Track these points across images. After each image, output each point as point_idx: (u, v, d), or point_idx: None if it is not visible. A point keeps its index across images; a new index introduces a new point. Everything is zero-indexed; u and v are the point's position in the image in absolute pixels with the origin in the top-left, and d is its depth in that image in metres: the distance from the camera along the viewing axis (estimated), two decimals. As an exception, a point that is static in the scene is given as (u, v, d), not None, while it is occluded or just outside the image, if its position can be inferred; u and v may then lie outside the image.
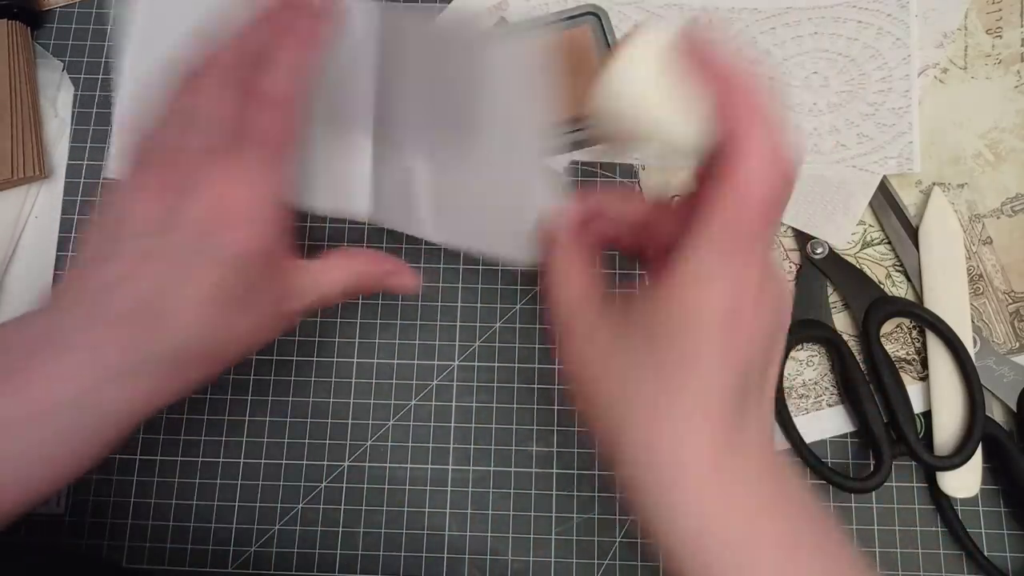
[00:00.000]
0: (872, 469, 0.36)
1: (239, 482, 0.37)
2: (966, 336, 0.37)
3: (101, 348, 0.24)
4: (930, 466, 0.36)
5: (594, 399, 0.25)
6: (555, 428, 0.38)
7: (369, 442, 0.38)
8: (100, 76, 0.42)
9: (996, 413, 0.37)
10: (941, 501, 0.36)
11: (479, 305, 0.39)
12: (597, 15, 0.40)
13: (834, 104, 0.40)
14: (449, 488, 0.37)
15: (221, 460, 0.37)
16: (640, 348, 0.24)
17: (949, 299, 0.38)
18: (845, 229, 0.39)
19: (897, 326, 0.39)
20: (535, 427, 0.38)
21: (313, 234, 0.40)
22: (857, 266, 0.39)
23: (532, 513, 0.37)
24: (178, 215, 0.25)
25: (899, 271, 0.39)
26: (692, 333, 0.23)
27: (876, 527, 0.36)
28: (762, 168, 0.22)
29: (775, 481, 0.24)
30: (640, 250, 0.29)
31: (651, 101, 0.24)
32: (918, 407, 0.37)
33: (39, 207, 0.40)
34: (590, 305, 0.26)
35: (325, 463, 0.37)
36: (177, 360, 0.26)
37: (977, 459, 0.36)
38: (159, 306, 0.25)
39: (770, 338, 0.24)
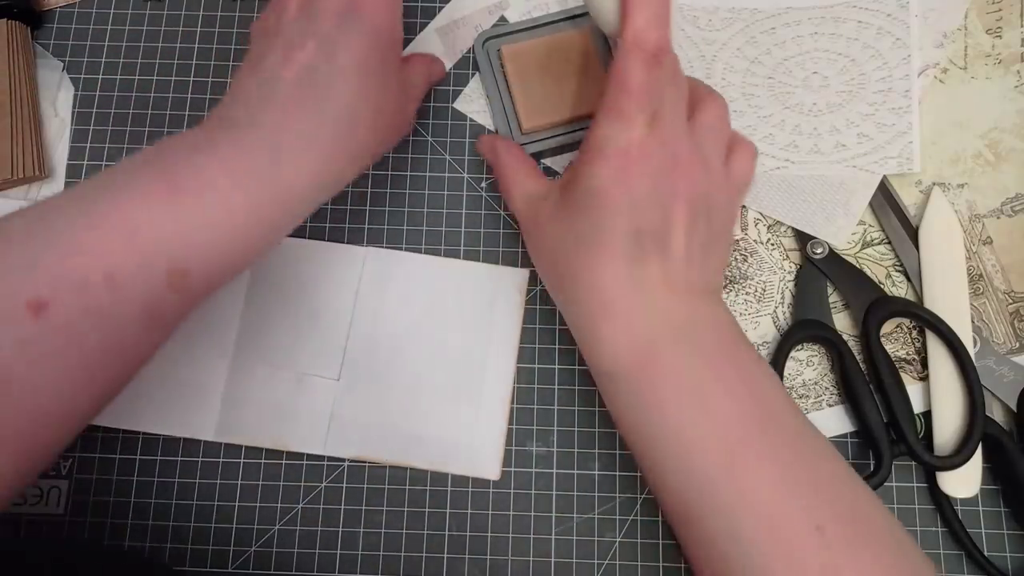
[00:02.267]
0: (872, 469, 0.36)
1: (239, 482, 0.37)
2: (966, 336, 0.37)
3: (279, 122, 0.29)
4: (930, 466, 0.36)
5: (547, 264, 0.32)
6: (555, 428, 0.38)
7: (369, 442, 0.38)
8: (100, 76, 0.42)
9: (996, 413, 0.37)
10: (941, 501, 0.36)
11: (479, 305, 0.39)
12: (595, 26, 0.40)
13: (834, 104, 0.40)
14: (449, 488, 0.37)
15: (221, 460, 0.37)
16: (568, 216, 0.31)
17: (949, 299, 0.38)
18: (845, 229, 0.39)
19: (897, 326, 0.39)
20: (535, 427, 0.38)
21: (313, 233, 0.40)
22: (857, 266, 0.39)
23: (532, 513, 0.37)
24: (314, 7, 0.31)
25: (899, 271, 0.39)
26: (589, 198, 0.30)
27: (876, 527, 0.36)
28: (628, 55, 0.28)
29: (684, 317, 0.30)
30: None
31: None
32: (918, 407, 0.37)
33: (39, 207, 0.40)
34: (538, 198, 0.33)
35: (325, 463, 0.37)
36: (339, 126, 0.30)
37: (977, 459, 0.36)
38: (318, 78, 0.30)
39: (657, 181, 0.29)
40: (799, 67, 0.41)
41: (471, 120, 0.41)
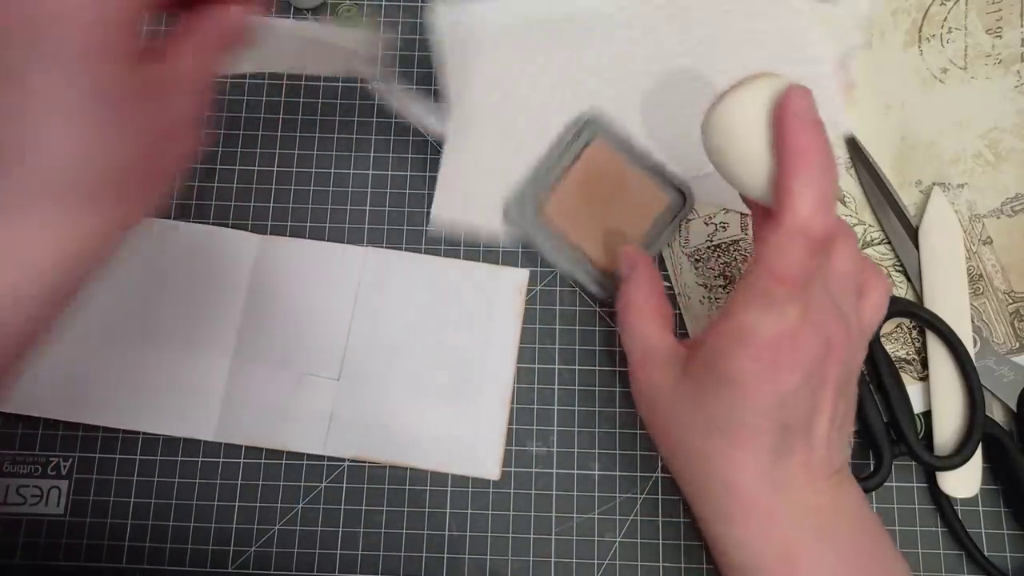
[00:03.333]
0: (872, 469, 0.36)
1: (239, 482, 0.37)
2: (966, 336, 0.37)
3: None
4: (930, 466, 0.36)
5: (666, 435, 0.30)
6: (555, 428, 0.38)
7: (369, 442, 0.38)
8: (100, 76, 0.42)
9: (996, 413, 0.37)
10: (941, 501, 0.36)
11: (479, 305, 0.39)
12: (595, 121, 0.39)
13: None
14: (449, 488, 0.37)
15: (221, 460, 0.37)
16: (699, 395, 0.28)
17: (949, 299, 0.38)
18: None
19: (897, 326, 0.39)
20: (535, 427, 0.38)
21: (313, 233, 0.40)
22: (857, 266, 0.39)
23: (532, 513, 0.37)
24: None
25: (899, 271, 0.39)
26: (728, 388, 0.27)
27: (876, 527, 0.36)
28: (791, 241, 0.24)
29: (827, 510, 0.28)
30: None
31: (743, 139, 0.26)
32: (918, 407, 0.37)
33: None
34: (659, 353, 0.31)
35: (325, 463, 0.37)
36: (65, 197, 0.22)
37: (977, 459, 0.36)
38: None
39: (810, 374, 0.26)
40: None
41: (471, 120, 0.41)
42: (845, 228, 0.28)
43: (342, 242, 0.40)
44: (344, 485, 0.37)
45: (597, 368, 0.38)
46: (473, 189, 0.39)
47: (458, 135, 0.39)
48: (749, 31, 0.40)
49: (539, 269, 0.39)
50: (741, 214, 0.40)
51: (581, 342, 0.39)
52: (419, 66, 0.42)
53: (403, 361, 0.38)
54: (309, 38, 0.32)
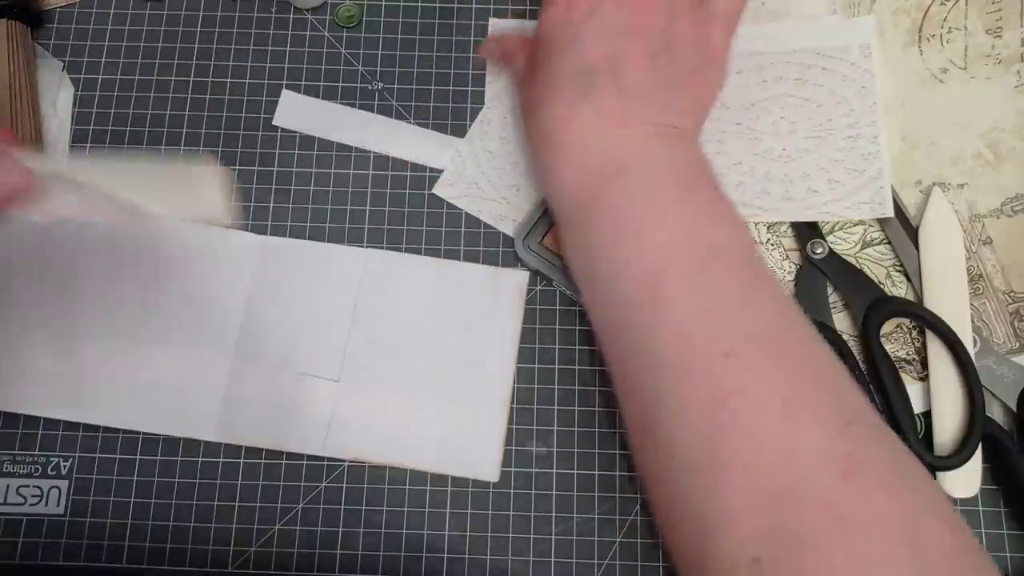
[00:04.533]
0: (872, 469, 0.36)
1: (239, 482, 0.37)
2: (966, 336, 0.37)
3: None
4: (930, 466, 0.35)
5: (524, 120, 0.36)
6: (555, 428, 0.38)
7: (369, 442, 0.38)
8: (100, 76, 0.42)
9: (996, 413, 0.37)
10: (941, 501, 0.36)
11: (479, 305, 0.39)
12: None
13: (803, 150, 0.40)
14: (449, 488, 0.37)
15: (221, 460, 0.37)
16: (532, 71, 0.34)
17: (949, 299, 0.38)
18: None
19: (897, 326, 0.39)
20: (535, 427, 0.38)
21: (313, 234, 0.40)
22: (857, 266, 0.39)
23: (532, 513, 0.37)
24: None
25: (899, 271, 0.39)
26: (543, 46, 0.33)
27: (876, 527, 0.36)
28: None
29: (643, 156, 0.31)
30: None
31: None
32: (918, 407, 0.37)
33: (39, 207, 0.40)
34: (528, 65, 0.35)
35: (325, 463, 0.37)
36: None
37: (977, 459, 0.36)
38: None
39: (603, 20, 0.31)
40: (766, 112, 0.40)
41: (470, 120, 0.41)
42: None
43: (342, 242, 0.40)
44: (344, 485, 0.37)
45: (597, 368, 0.38)
46: (480, 177, 0.40)
47: (482, 126, 0.41)
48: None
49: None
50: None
51: (581, 342, 0.39)
52: (417, 72, 0.42)
53: (403, 362, 0.38)
54: (132, 182, 0.28)
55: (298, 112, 0.41)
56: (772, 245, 0.40)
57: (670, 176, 0.30)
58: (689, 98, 0.32)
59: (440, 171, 0.41)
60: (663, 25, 0.31)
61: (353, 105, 0.41)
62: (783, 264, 0.39)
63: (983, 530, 0.36)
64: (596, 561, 0.36)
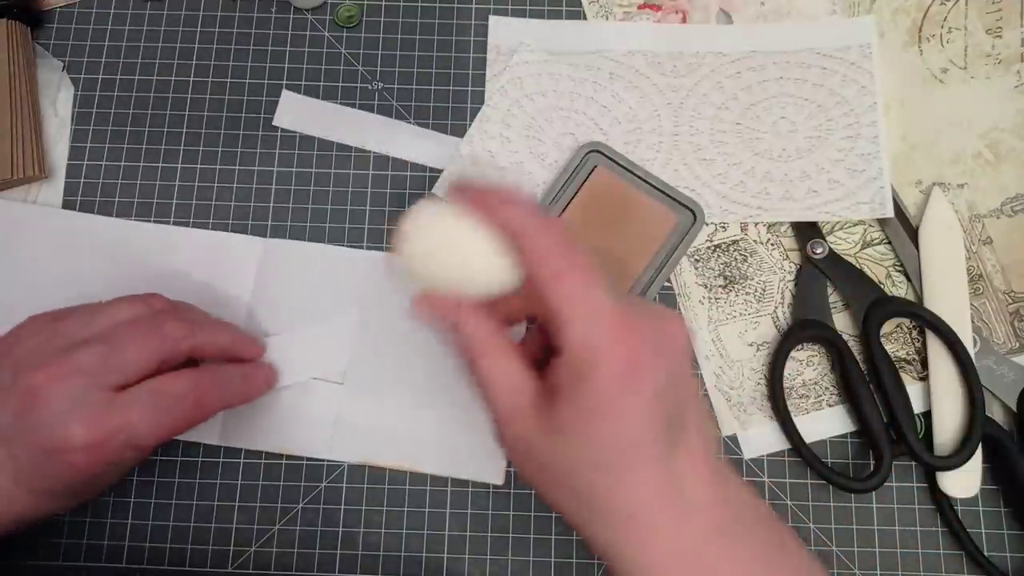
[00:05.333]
0: (872, 469, 0.36)
1: (239, 482, 0.37)
2: (966, 336, 0.37)
3: None
4: (930, 466, 0.36)
5: (542, 477, 0.27)
6: (555, 428, 0.38)
7: (369, 442, 0.38)
8: (100, 76, 0.42)
9: (996, 413, 0.37)
10: (941, 501, 0.36)
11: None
12: (598, 151, 0.39)
13: (803, 149, 0.40)
14: (449, 488, 0.37)
15: (221, 460, 0.37)
16: (574, 439, 0.25)
17: (949, 299, 0.38)
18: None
19: (897, 326, 0.39)
20: (535, 427, 0.38)
21: (313, 235, 0.40)
22: (857, 266, 0.39)
23: (532, 513, 0.37)
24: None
25: (899, 271, 0.39)
26: (601, 416, 0.25)
27: (876, 527, 0.36)
28: (582, 312, 0.25)
29: (721, 503, 0.26)
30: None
31: (439, 261, 0.27)
32: (918, 407, 0.37)
33: (39, 207, 0.40)
34: (527, 386, 0.27)
35: (325, 463, 0.37)
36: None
37: (977, 459, 0.36)
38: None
39: (672, 375, 0.26)
40: (767, 112, 0.40)
41: (469, 120, 0.41)
42: None
43: (342, 242, 0.40)
44: (344, 485, 0.37)
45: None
46: (480, 177, 0.40)
47: (482, 126, 0.41)
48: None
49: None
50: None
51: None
52: (417, 72, 0.42)
53: (407, 365, 0.38)
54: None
55: (298, 112, 0.41)
56: (772, 245, 0.40)
57: (760, 522, 0.28)
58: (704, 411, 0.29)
59: (440, 171, 0.41)
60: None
61: (353, 105, 0.41)
62: (783, 264, 0.39)
63: (983, 530, 0.36)
64: (596, 561, 0.36)
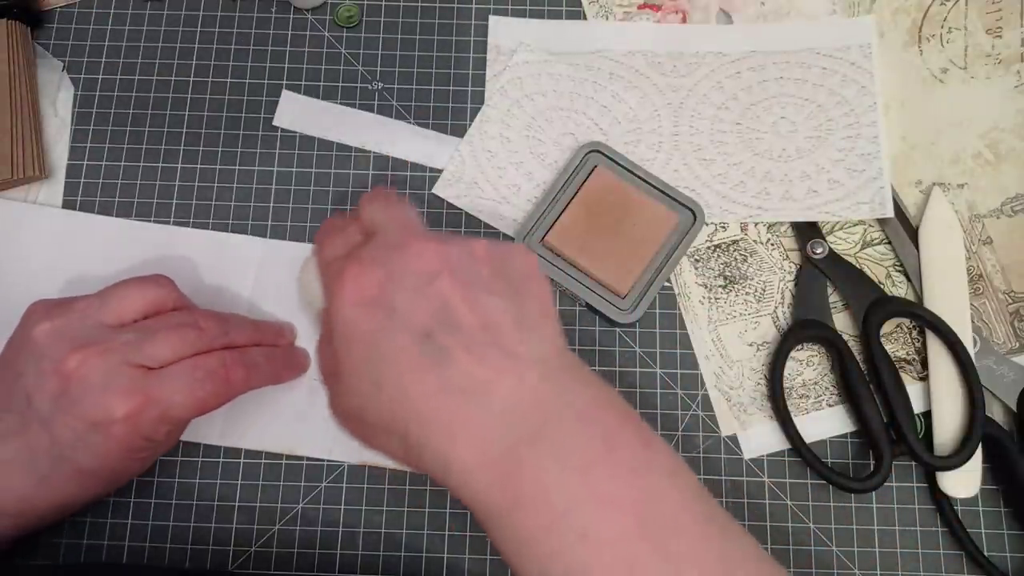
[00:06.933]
0: (872, 469, 0.36)
1: (239, 482, 0.37)
2: (966, 336, 0.37)
3: None
4: (930, 466, 0.36)
5: (367, 439, 0.29)
6: (555, 428, 0.38)
7: (369, 442, 0.38)
8: (100, 76, 0.42)
9: (996, 413, 0.37)
10: (941, 501, 0.36)
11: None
12: (598, 151, 0.39)
13: (803, 150, 0.40)
14: (449, 488, 0.37)
15: (221, 460, 0.37)
16: (345, 374, 0.28)
17: (949, 299, 0.38)
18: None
19: (897, 326, 0.39)
20: (535, 427, 0.38)
21: (313, 234, 0.40)
22: (857, 266, 0.39)
23: (532, 513, 0.37)
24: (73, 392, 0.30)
25: (899, 271, 0.39)
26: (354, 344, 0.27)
27: (876, 527, 0.37)
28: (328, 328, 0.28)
29: (541, 408, 0.26)
30: None
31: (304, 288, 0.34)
32: (918, 407, 0.37)
33: (39, 207, 0.40)
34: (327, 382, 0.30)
35: (325, 463, 0.37)
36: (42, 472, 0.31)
37: (977, 459, 0.36)
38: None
39: (402, 287, 0.27)
40: (767, 112, 0.40)
41: (469, 120, 0.41)
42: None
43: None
44: (344, 485, 0.37)
45: (596, 368, 0.38)
46: (480, 177, 0.40)
47: (482, 126, 0.40)
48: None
49: (539, 269, 0.39)
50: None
51: (582, 341, 0.39)
52: (417, 72, 0.42)
53: None
54: None
55: (298, 112, 0.41)
56: (772, 245, 0.40)
57: (588, 429, 0.26)
58: (545, 326, 0.28)
59: (440, 171, 0.41)
60: (468, 274, 0.27)
61: (353, 105, 0.42)
62: (783, 264, 0.39)
63: (983, 530, 0.36)
64: (596, 561, 0.36)
